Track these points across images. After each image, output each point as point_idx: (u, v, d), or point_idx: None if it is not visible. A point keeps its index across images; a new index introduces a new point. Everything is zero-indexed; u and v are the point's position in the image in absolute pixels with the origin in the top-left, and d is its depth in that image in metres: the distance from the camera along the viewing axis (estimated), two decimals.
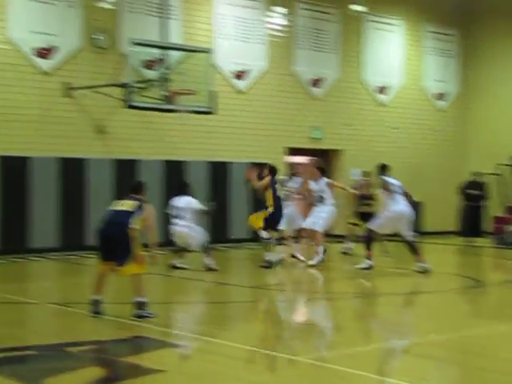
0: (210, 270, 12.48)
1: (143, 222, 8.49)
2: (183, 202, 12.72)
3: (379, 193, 13.25)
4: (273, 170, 13.74)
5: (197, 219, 12.84)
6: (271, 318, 9.34)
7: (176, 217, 12.71)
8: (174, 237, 12.82)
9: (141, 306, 8.31)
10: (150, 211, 8.60)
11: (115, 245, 8.33)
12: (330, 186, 13.92)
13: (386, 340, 7.85)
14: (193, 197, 12.92)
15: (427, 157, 22.04)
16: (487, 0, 22.06)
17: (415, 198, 14.35)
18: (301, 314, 9.62)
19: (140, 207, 8.52)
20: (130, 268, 8.32)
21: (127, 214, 8.42)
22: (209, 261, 12.61)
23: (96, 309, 8.44)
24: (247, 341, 7.43)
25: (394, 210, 12.52)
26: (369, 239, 12.79)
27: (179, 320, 9.04)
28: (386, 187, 12.59)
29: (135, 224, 8.40)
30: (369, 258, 12.70)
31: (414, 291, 10.83)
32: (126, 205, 8.55)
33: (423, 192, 21.75)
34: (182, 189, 13.01)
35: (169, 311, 9.47)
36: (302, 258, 13.97)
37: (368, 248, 12.73)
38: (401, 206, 12.59)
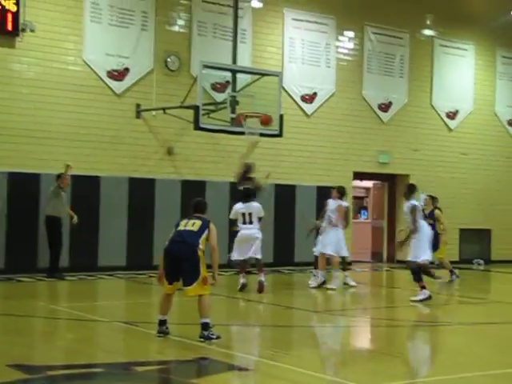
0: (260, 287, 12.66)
1: (207, 241, 8.53)
2: (253, 207, 12.86)
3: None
4: (341, 193, 13.72)
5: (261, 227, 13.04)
6: (334, 343, 9.26)
7: (246, 222, 12.79)
8: (240, 244, 12.79)
9: (206, 327, 8.34)
10: (214, 231, 8.60)
11: (183, 265, 8.33)
12: (339, 209, 13.76)
13: (451, 372, 7.68)
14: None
15: (497, 183, 21.59)
16: None
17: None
18: (366, 341, 9.50)
19: (205, 226, 8.53)
20: (196, 289, 8.34)
21: (195, 234, 8.43)
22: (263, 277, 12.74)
23: (162, 329, 8.51)
24: (311, 366, 7.37)
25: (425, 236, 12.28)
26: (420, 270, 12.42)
27: (243, 343, 9.04)
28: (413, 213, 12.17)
29: (202, 244, 8.46)
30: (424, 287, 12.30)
31: (478, 322, 10.57)
32: (192, 224, 8.54)
33: (492, 219, 21.35)
34: (248, 196, 12.99)
35: (233, 333, 9.48)
36: (352, 283, 13.92)
37: (419, 279, 12.33)
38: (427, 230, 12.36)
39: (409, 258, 12.24)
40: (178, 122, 16.11)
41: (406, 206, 12.31)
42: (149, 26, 16.30)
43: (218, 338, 8.31)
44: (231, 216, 13.06)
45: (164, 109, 15.89)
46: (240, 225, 12.79)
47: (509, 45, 21.78)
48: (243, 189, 13.11)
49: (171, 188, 16.29)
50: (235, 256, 12.81)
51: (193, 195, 15.87)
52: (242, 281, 12.77)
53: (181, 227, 8.63)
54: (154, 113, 16.24)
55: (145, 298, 12.52)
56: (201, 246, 8.44)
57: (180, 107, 15.48)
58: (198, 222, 8.57)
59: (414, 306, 11.84)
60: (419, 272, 12.23)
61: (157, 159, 16.43)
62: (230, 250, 13.10)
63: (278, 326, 9.96)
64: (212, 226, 8.60)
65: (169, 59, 16.54)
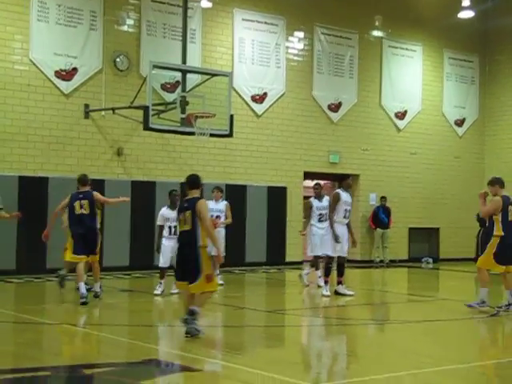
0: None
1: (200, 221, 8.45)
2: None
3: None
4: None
5: None
6: (287, 342, 9.26)
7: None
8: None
9: (193, 314, 8.37)
10: (202, 206, 8.44)
11: (186, 265, 8.46)
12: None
13: (401, 369, 7.76)
14: None
15: (445, 183, 21.95)
16: (507, 27, 22.05)
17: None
18: (317, 340, 9.54)
19: (196, 216, 8.41)
20: (200, 286, 8.40)
21: (192, 232, 8.44)
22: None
23: (189, 328, 8.42)
24: (262, 366, 7.36)
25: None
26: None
27: (194, 343, 8.98)
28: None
29: (202, 241, 8.47)
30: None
31: (427, 319, 10.71)
32: (187, 222, 8.48)
33: (440, 218, 21.68)
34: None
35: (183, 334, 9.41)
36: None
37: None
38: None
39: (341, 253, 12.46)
40: (127, 122, 15.98)
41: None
42: (97, 25, 16.11)
43: (200, 332, 8.35)
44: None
45: (113, 109, 15.73)
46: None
47: (456, 46, 22.15)
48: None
49: (121, 189, 16.04)
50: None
51: (143, 196, 15.88)
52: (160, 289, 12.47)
53: (179, 227, 8.72)
54: (103, 113, 16.07)
55: (94, 299, 12.32)
56: (201, 244, 8.46)
57: (129, 107, 15.34)
58: (190, 218, 8.44)
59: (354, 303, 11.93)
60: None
61: (106, 160, 16.26)
62: None
63: (229, 326, 9.92)
64: (200, 202, 8.49)
65: (118, 59, 16.38)
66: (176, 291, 11.96)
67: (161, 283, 12.42)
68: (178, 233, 11.42)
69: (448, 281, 17.89)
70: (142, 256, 16.14)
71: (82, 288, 11.04)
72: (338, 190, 12.74)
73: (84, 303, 10.87)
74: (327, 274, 12.59)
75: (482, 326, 10.75)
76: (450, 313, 11.34)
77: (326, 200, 13.53)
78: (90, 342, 8.68)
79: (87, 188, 11.61)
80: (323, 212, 13.44)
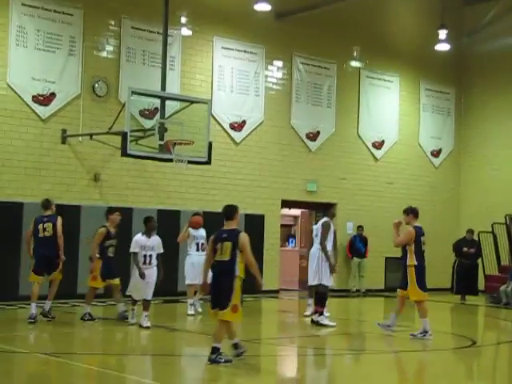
0: None
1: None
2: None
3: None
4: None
5: None
6: (263, 372, 9.17)
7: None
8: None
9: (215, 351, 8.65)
10: (245, 239, 8.80)
11: (221, 293, 8.70)
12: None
13: None
14: None
15: (421, 213, 21.89)
16: (482, 60, 22.39)
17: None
18: (291, 370, 9.45)
19: (236, 248, 8.69)
20: (227, 315, 8.68)
21: (231, 263, 8.73)
22: None
23: (237, 352, 8.82)
24: None
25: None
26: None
27: (168, 374, 8.85)
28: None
29: (239, 272, 8.75)
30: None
31: (408, 349, 10.67)
32: (226, 253, 8.72)
33: None
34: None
35: (163, 364, 9.28)
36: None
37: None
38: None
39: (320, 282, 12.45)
40: (105, 148, 15.90)
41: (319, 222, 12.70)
42: (76, 50, 16.08)
43: (226, 361, 8.55)
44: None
45: (91, 135, 15.66)
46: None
47: (432, 78, 22.42)
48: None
49: (97, 215, 15.88)
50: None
51: (119, 222, 15.71)
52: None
53: (217, 257, 8.83)
54: (80, 138, 15.98)
55: (69, 327, 12.14)
56: (238, 274, 8.76)
57: (107, 133, 15.26)
58: (229, 248, 8.73)
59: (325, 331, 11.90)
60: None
61: (83, 186, 16.14)
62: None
63: (205, 356, 9.81)
64: (242, 235, 8.86)
65: (96, 85, 16.34)
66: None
67: (133, 309, 12.09)
68: (152, 262, 11.46)
69: None
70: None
71: (33, 309, 11.72)
72: (328, 219, 12.85)
73: (32, 323, 11.55)
74: (325, 303, 12.57)
75: (458, 358, 10.74)
76: (425, 344, 11.32)
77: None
78: (61, 372, 8.50)
79: (49, 212, 12.36)
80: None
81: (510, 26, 21.38)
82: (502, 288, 18.18)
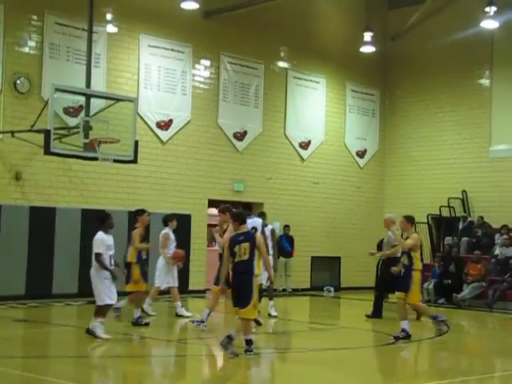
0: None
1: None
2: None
3: None
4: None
5: None
6: (188, 372, 9.12)
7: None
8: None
9: (249, 343, 9.43)
10: (261, 240, 9.63)
11: (242, 292, 9.40)
12: None
13: None
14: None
15: (347, 212, 22.36)
16: (405, 62, 22.87)
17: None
18: (216, 369, 9.43)
19: (254, 247, 9.41)
20: (249, 312, 9.39)
21: (250, 262, 9.40)
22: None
23: (249, 348, 9.45)
24: None
25: None
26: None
27: (93, 375, 8.70)
28: None
29: (257, 271, 9.50)
30: None
31: (329, 347, 10.78)
32: (245, 253, 9.38)
33: (341, 247, 22.06)
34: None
35: (84, 366, 9.11)
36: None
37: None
38: None
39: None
40: (27, 146, 15.50)
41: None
42: None
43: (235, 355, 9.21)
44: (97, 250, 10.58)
45: (12, 132, 15.23)
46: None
47: (358, 80, 22.75)
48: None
49: (18, 215, 15.58)
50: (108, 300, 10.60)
51: (42, 222, 15.39)
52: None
53: (237, 257, 9.45)
54: (0, 136, 15.54)
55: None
56: (256, 273, 9.53)
57: (30, 131, 14.89)
58: (248, 248, 9.40)
59: (267, 333, 11.94)
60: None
61: (3, 184, 15.69)
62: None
63: (131, 356, 9.68)
64: (257, 236, 9.69)
65: (18, 81, 15.91)
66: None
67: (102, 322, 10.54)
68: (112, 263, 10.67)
69: (348, 309, 18.14)
70: (40, 284, 15.60)
71: None
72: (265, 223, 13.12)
73: None
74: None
75: (383, 354, 10.91)
76: (350, 341, 11.48)
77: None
78: None
79: None
80: None
81: (432, 30, 21.91)
82: (424, 286, 18.56)
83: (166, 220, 13.71)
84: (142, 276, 12.33)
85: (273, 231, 13.80)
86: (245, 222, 9.68)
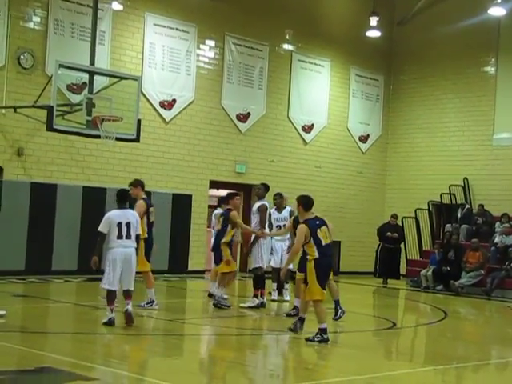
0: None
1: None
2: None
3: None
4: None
5: None
6: (183, 351, 9.15)
7: (123, 235, 9.81)
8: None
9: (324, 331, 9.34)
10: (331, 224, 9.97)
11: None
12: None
13: (300, 379, 7.79)
14: None
15: (348, 197, 22.35)
16: (411, 48, 22.76)
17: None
18: (216, 349, 9.47)
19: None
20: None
21: (331, 245, 9.73)
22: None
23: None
24: (159, 375, 7.23)
25: None
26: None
27: (89, 351, 8.73)
28: None
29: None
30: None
31: (329, 331, 10.82)
32: (328, 236, 9.60)
33: (342, 231, 22.04)
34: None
35: (79, 342, 9.15)
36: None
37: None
38: None
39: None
40: (29, 121, 15.48)
41: (255, 205, 12.67)
42: (1, 20, 15.55)
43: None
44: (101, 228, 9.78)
45: (15, 107, 15.20)
46: (115, 239, 9.73)
47: (362, 64, 22.66)
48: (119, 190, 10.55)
49: (19, 190, 15.58)
50: (107, 285, 9.72)
51: (42, 199, 15.39)
52: (111, 315, 9.74)
53: (324, 240, 9.48)
54: (3, 111, 15.51)
55: None
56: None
57: (33, 107, 14.87)
58: (326, 230, 9.62)
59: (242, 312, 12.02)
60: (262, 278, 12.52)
61: (5, 160, 15.69)
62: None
63: (128, 334, 9.72)
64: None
65: (22, 56, 15.86)
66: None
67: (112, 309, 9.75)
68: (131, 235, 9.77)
69: (347, 294, 18.16)
70: (40, 260, 15.64)
71: None
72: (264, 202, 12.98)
73: None
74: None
75: (379, 339, 10.95)
76: (352, 325, 11.51)
77: (286, 211, 13.35)
78: None
79: None
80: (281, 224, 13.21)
81: (439, 15, 21.79)
82: (423, 272, 18.64)
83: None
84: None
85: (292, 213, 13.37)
86: (311, 207, 9.74)
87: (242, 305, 12.56)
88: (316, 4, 21.32)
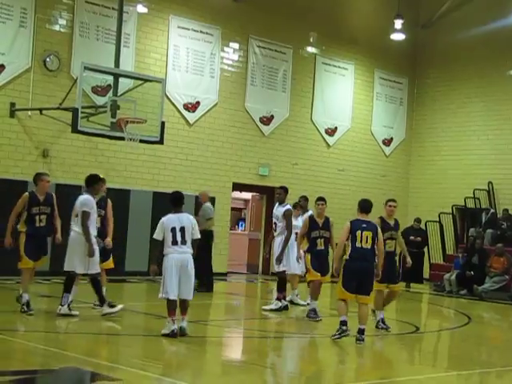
0: None
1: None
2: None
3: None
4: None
5: None
6: (206, 353, 9.17)
7: (178, 241, 9.37)
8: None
9: (363, 332, 9.44)
10: (380, 231, 9.87)
11: (366, 279, 9.55)
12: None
13: (322, 383, 7.77)
14: None
15: (372, 200, 22.20)
16: (436, 51, 22.65)
17: None
18: (237, 352, 9.47)
19: (376, 237, 9.74)
20: (371, 298, 9.75)
21: (372, 250, 9.65)
22: None
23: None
24: (181, 376, 7.25)
25: None
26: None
27: (112, 352, 8.78)
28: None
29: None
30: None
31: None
32: (368, 241, 9.62)
33: None
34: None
35: (102, 342, 9.20)
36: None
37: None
38: None
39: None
40: (55, 123, 15.61)
41: (279, 209, 12.62)
42: (28, 22, 15.70)
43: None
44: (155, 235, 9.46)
45: (41, 109, 15.35)
46: (170, 245, 9.31)
47: (386, 67, 22.58)
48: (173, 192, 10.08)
49: None
50: (164, 294, 9.25)
51: (67, 200, 15.46)
52: (173, 327, 9.22)
53: (358, 243, 9.59)
54: (29, 113, 15.66)
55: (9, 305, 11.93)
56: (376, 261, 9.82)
57: (58, 109, 15.00)
58: (372, 238, 9.62)
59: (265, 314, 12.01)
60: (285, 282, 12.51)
61: (30, 161, 15.83)
62: None
63: (150, 335, 9.76)
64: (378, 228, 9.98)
65: (48, 59, 16.00)
66: None
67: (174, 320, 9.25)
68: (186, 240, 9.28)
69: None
70: (64, 261, 15.70)
71: None
72: (289, 206, 13.04)
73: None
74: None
75: (402, 343, 10.89)
76: (372, 329, 11.45)
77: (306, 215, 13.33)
78: (3, 349, 8.35)
79: None
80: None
81: (464, 18, 21.67)
82: (446, 276, 18.51)
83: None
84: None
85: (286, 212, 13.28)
86: (369, 211, 10.03)
87: (264, 307, 12.56)
88: (340, 7, 21.29)
